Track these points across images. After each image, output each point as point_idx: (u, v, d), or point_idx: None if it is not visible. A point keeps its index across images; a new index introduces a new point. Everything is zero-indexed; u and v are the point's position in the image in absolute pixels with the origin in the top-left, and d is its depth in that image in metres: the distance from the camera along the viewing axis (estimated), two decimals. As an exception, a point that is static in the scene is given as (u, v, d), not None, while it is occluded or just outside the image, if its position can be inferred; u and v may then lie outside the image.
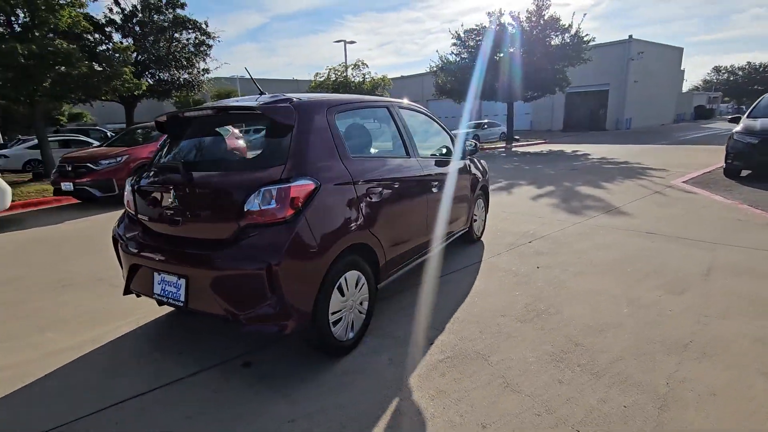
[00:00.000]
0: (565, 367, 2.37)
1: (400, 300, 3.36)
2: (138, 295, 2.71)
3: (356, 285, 2.59)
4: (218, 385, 2.34)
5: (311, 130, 2.42)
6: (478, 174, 4.64)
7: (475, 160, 4.75)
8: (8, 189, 6.65)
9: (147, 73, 15.52)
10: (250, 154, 2.55)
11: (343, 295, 2.47)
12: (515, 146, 21.54)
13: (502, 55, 20.25)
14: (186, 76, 16.58)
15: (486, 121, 25.78)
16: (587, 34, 19.34)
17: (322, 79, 23.76)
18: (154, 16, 15.36)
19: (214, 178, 2.40)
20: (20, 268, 4.57)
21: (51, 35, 10.62)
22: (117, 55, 11.70)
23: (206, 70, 17.48)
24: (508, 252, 4.49)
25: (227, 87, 48.91)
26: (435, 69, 23.16)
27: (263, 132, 2.56)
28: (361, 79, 24.23)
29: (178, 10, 15.80)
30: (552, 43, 19.98)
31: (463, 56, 22.11)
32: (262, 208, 2.16)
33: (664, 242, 4.59)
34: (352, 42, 29.23)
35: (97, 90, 11.21)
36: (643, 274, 3.70)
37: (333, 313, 2.41)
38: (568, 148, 19.11)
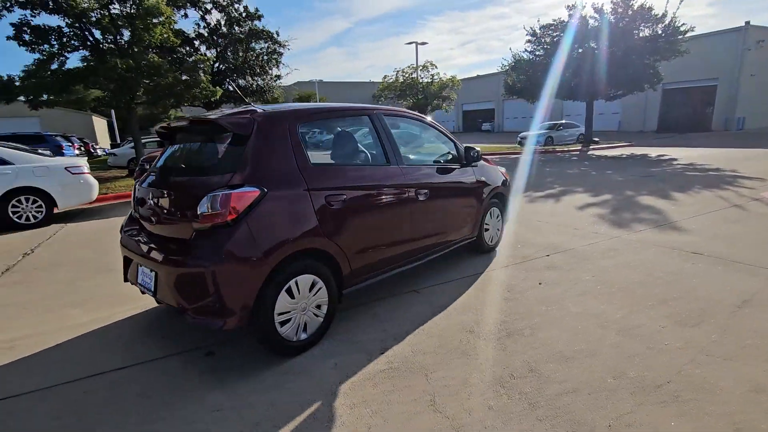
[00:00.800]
0: (504, 393, 2.22)
1: (376, 307, 3.38)
2: (133, 284, 3.08)
3: (311, 289, 2.68)
4: (176, 370, 2.58)
5: (267, 140, 2.56)
6: (489, 181, 4.44)
7: (487, 166, 4.55)
8: (95, 183, 7.83)
9: (227, 80, 17.15)
10: (211, 162, 2.76)
11: (293, 297, 2.58)
12: (593, 149, 19.90)
13: (581, 50, 18.82)
14: (260, 82, 17.99)
15: (562, 122, 24.12)
16: (684, 24, 17.16)
17: (391, 81, 24.11)
18: (235, 28, 16.92)
19: (180, 182, 2.66)
20: (86, 252, 5.38)
21: (145, 50, 12.20)
22: (200, 65, 13.10)
23: (278, 77, 18.80)
24: (517, 265, 4.24)
25: (307, 90, 51.77)
26: (507, 68, 22.26)
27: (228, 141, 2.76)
28: (429, 80, 24.12)
29: (255, 22, 17.20)
30: (641, 35, 18.07)
31: (537, 53, 20.98)
32: (210, 212, 2.35)
33: (708, 264, 3.99)
34: (423, 43, 29.25)
35: (181, 97, 12.66)
36: (658, 300, 3.27)
37: (280, 314, 2.53)
38: (654, 152, 17.19)
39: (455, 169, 4.01)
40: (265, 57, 18.12)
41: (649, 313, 3.07)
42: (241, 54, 17.38)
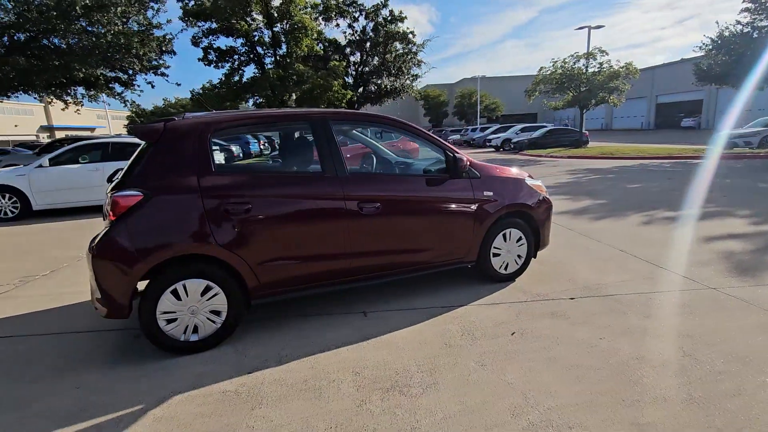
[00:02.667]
0: (291, 457, 1.85)
1: (305, 323, 3.20)
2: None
3: (203, 293, 2.73)
4: (89, 345, 2.98)
5: (168, 147, 2.70)
6: (500, 197, 3.63)
7: (500, 179, 3.72)
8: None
9: (369, 82, 18.35)
10: (131, 167, 3.01)
11: (179, 299, 2.68)
12: (838, 155, 13.96)
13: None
14: (396, 83, 18.62)
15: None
16: None
17: (548, 73, 21.76)
18: (379, 31, 17.91)
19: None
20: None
21: (293, 61, 14.07)
22: (335, 71, 14.44)
23: (416, 76, 19.09)
24: (513, 304, 3.39)
25: (470, 87, 51.00)
26: (710, 47, 17.44)
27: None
28: (597, 69, 20.83)
29: (399, 24, 17.84)
30: None
31: (759, 24, 15.80)
32: (107, 212, 2.63)
33: (825, 360, 2.42)
34: (598, 27, 25.39)
35: (319, 100, 14.20)
36: (648, 399, 2.18)
37: (164, 312, 2.66)
38: None
39: (437, 179, 3.44)
40: (402, 58, 18.67)
41: (624, 412, 2.07)
42: (379, 56, 18.37)
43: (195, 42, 14.47)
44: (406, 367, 2.54)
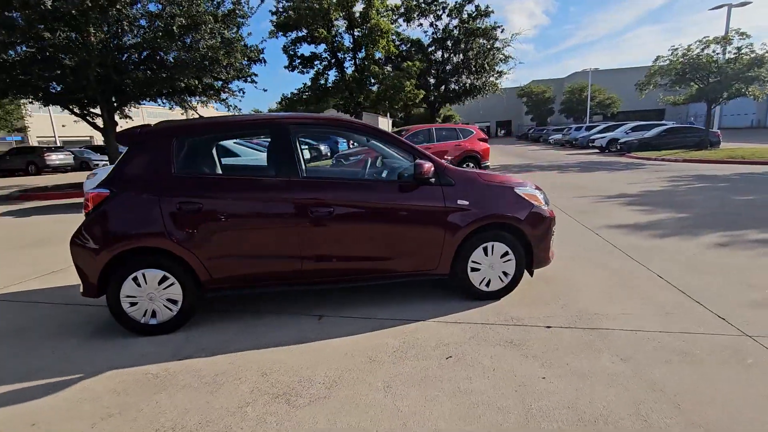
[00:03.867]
0: (147, 444, 1.98)
1: (256, 320, 3.33)
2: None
3: (160, 282, 3.03)
4: (92, 315, 3.50)
5: (136, 150, 3.06)
6: (478, 207, 3.31)
7: (482, 186, 3.39)
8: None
9: (450, 81, 17.85)
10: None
11: (139, 285, 3.02)
12: None
13: None
14: (478, 82, 17.74)
15: None
16: None
17: (665, 63, 18.83)
18: (462, 27, 17.31)
19: None
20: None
21: (371, 63, 14.45)
22: (408, 71, 14.41)
23: (500, 73, 17.97)
24: (474, 326, 3.08)
25: (581, 81, 46.54)
26: None
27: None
28: (734, 56, 17.42)
29: (485, 19, 17.01)
30: None
31: None
32: (85, 206, 3.09)
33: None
34: (744, 3, 21.21)
35: (392, 101, 14.38)
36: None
37: (127, 296, 3.02)
38: None
39: (405, 186, 3.28)
40: (485, 54, 17.74)
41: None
42: (460, 54, 17.74)
43: (285, 50, 15.82)
44: (311, 376, 2.51)
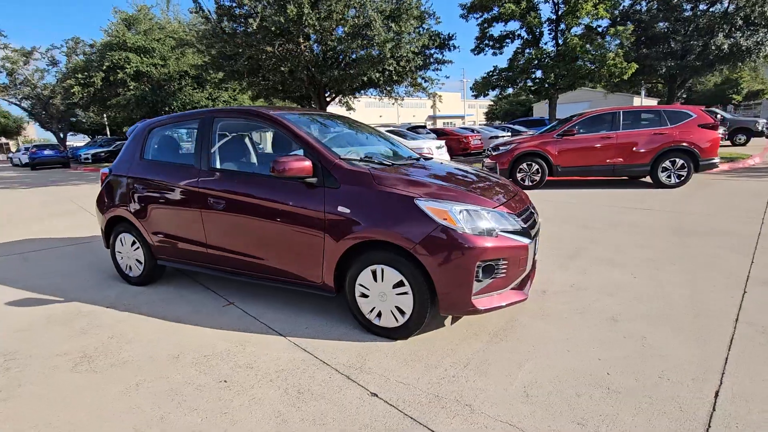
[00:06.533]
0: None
1: (184, 290, 3.76)
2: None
3: (132, 245, 3.81)
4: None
5: (129, 140, 3.89)
6: (363, 221, 2.58)
7: (367, 191, 2.61)
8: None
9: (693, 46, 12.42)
10: None
11: (122, 245, 3.89)
12: None
13: None
14: (748, 42, 11.48)
15: None
16: None
17: None
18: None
19: None
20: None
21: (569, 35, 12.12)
22: (624, 37, 11.14)
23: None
24: (317, 363, 2.51)
25: None
26: None
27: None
28: None
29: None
30: None
31: None
32: (102, 178, 4.16)
33: None
34: None
35: (594, 76, 11.67)
36: None
37: (117, 252, 3.95)
38: None
39: (292, 184, 2.90)
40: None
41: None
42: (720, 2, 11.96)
43: (482, 31, 15.01)
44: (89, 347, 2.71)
